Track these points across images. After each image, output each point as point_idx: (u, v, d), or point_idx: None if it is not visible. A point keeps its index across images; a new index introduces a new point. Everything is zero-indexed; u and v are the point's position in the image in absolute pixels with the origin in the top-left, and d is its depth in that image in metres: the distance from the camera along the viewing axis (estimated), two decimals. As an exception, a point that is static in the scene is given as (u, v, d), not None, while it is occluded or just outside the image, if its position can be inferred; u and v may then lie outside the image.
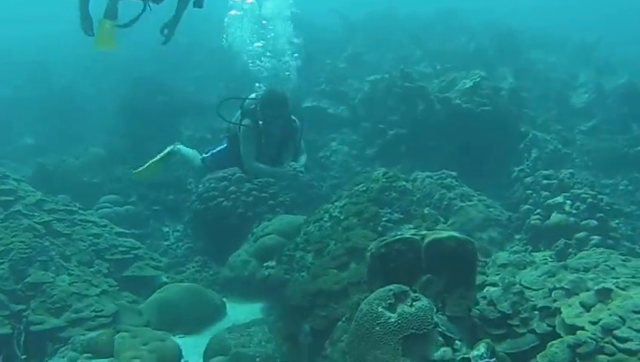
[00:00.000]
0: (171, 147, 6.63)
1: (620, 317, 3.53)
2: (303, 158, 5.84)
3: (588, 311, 3.83)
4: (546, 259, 5.48)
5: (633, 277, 4.46)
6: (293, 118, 5.64)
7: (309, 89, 11.00)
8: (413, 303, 3.88)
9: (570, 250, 5.52)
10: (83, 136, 12.08)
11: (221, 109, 5.60)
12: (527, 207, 6.44)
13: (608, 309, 3.70)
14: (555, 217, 5.98)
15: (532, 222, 6.11)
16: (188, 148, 6.70)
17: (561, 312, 3.95)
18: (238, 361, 5.64)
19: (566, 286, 4.14)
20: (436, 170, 7.66)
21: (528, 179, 6.91)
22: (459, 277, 4.13)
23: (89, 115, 12.88)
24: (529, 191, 6.73)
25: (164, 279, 7.90)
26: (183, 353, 5.99)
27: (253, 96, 5.73)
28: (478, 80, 8.19)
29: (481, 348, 3.48)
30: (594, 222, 5.94)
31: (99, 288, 6.60)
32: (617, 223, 6.99)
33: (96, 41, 5.08)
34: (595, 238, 5.75)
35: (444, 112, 8.05)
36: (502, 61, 11.31)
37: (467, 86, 8.14)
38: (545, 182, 6.68)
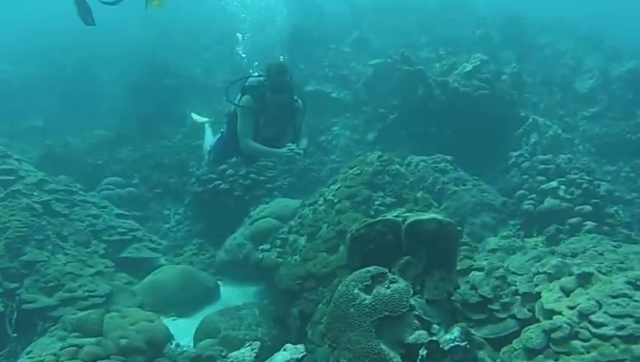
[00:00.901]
0: (205, 120, 6.72)
1: (597, 301, 3.40)
2: (303, 142, 5.51)
3: (567, 295, 3.71)
4: (537, 245, 5.34)
5: (621, 262, 4.31)
6: (295, 98, 5.36)
7: (312, 73, 10.84)
8: (390, 285, 3.79)
9: (562, 235, 5.35)
10: (92, 118, 12.11)
11: (228, 93, 5.41)
12: (522, 191, 6.24)
13: (587, 294, 3.57)
14: (548, 202, 5.80)
15: (525, 207, 5.93)
16: (210, 135, 6.58)
17: (540, 297, 3.83)
18: (227, 344, 5.57)
19: (548, 271, 4.01)
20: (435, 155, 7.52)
21: (525, 164, 6.71)
22: (439, 260, 4.02)
23: (99, 96, 12.92)
24: (525, 176, 6.52)
25: (163, 261, 7.92)
26: (175, 335, 5.97)
27: (255, 74, 5.51)
28: (478, 63, 7.93)
29: (454, 332, 3.38)
30: (588, 208, 5.74)
31: (94, 268, 6.63)
32: (616, 210, 6.78)
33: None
34: (589, 224, 5.55)
35: (443, 96, 7.85)
36: (508, 47, 11.01)
37: (467, 69, 7.90)
38: (542, 167, 6.46)
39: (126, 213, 8.31)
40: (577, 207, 5.79)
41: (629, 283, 3.49)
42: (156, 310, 6.59)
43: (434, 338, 3.33)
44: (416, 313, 3.78)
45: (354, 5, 14.08)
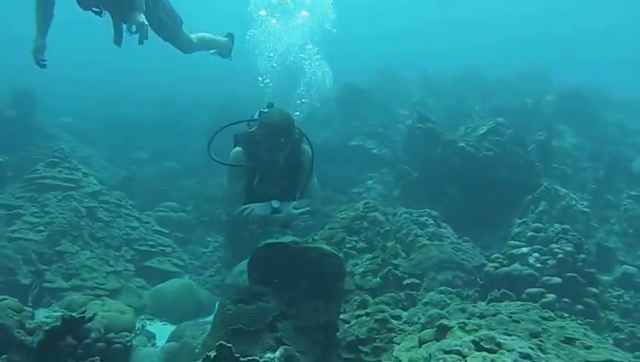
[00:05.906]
0: None
1: (429, 355, 3.06)
2: (303, 202, 3.97)
3: (420, 346, 3.36)
4: (475, 305, 4.81)
5: (532, 333, 3.77)
6: (303, 145, 4.00)
7: (360, 130, 11.09)
8: (259, 304, 3.79)
9: (508, 301, 4.72)
10: (179, 152, 13.67)
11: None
12: (497, 255, 5.65)
13: (428, 347, 3.22)
14: (510, 267, 5.18)
15: (486, 268, 5.36)
16: None
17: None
18: (183, 348, 5.89)
19: (422, 321, 3.66)
20: (446, 215, 7.20)
21: (516, 229, 6.07)
22: (319, 290, 3.91)
23: (188, 136, 14.55)
24: (511, 242, 5.90)
25: (186, 278, 8.51)
26: (160, 336, 6.46)
27: (256, 116, 4.13)
28: (492, 126, 7.49)
29: (277, 352, 3.27)
30: (557, 280, 5.00)
31: (113, 268, 7.41)
32: (620, 294, 5.79)
33: None
34: (550, 297, 4.82)
35: (455, 157, 7.53)
36: (560, 120, 10.12)
37: (482, 132, 7.51)
38: (530, 234, 5.80)
39: (165, 231, 9.13)
40: (544, 277, 5.09)
41: (473, 342, 3.09)
42: (155, 313, 7.19)
43: (259, 358, 3.22)
44: (278, 335, 3.71)
45: (425, 73, 14.19)
